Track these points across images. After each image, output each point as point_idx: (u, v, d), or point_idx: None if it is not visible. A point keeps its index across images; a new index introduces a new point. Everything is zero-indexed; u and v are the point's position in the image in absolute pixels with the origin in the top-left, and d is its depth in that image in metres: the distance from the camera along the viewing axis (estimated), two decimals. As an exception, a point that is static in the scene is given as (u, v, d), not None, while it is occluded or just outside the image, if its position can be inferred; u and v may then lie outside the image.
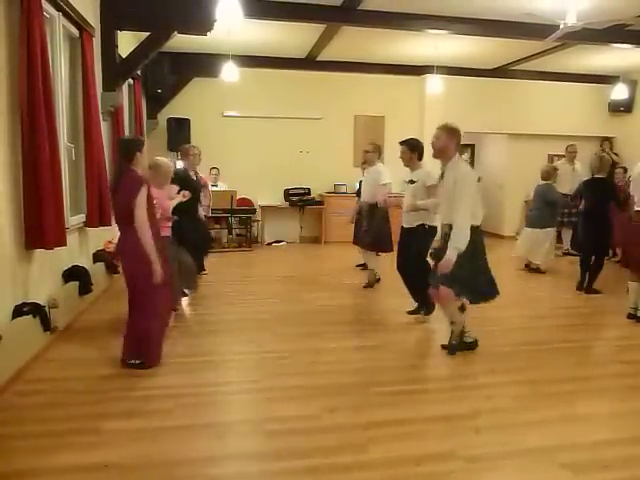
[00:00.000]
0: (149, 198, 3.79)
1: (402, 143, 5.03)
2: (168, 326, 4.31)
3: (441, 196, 4.16)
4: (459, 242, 3.84)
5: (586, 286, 6.41)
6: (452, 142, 4.01)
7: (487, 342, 4.60)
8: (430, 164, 4.90)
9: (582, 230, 6.53)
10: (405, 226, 5.07)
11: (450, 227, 3.95)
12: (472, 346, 4.37)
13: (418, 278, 4.80)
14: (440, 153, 4.06)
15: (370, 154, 6.60)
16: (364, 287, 6.48)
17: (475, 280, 4.03)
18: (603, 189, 6.29)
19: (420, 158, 4.99)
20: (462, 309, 4.42)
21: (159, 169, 4.54)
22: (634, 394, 3.62)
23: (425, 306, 5.10)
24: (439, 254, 4.04)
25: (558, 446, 2.90)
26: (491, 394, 3.55)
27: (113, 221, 6.17)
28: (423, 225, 4.86)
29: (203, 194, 7.11)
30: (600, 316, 5.55)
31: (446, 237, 3.98)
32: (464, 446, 2.89)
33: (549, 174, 7.47)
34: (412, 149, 4.94)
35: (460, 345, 4.33)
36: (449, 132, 4.03)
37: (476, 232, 3.98)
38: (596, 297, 6.23)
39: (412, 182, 4.91)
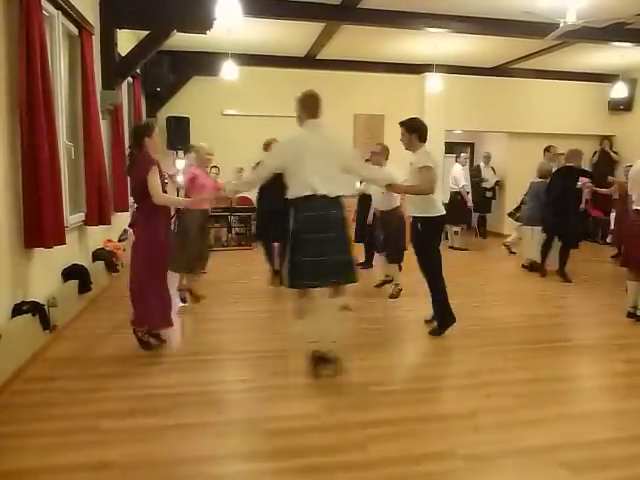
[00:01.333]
0: (160, 177, 4.15)
1: (401, 124, 4.80)
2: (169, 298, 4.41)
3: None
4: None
5: (558, 270, 6.80)
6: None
7: (486, 341, 4.61)
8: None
9: (551, 214, 6.93)
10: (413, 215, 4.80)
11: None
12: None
13: (427, 281, 4.72)
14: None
15: (377, 155, 6.23)
16: (389, 298, 6.06)
17: None
18: (571, 175, 6.72)
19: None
20: None
21: (199, 151, 5.48)
22: (634, 393, 3.62)
23: (440, 319, 4.72)
24: None
25: (557, 445, 2.90)
26: (490, 393, 3.55)
27: (112, 219, 6.20)
28: (421, 216, 4.59)
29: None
30: (599, 315, 5.55)
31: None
32: (463, 445, 2.89)
33: (543, 172, 7.43)
34: (411, 130, 4.67)
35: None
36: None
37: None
38: (594, 296, 6.22)
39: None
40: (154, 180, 4.01)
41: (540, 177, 7.45)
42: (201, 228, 5.48)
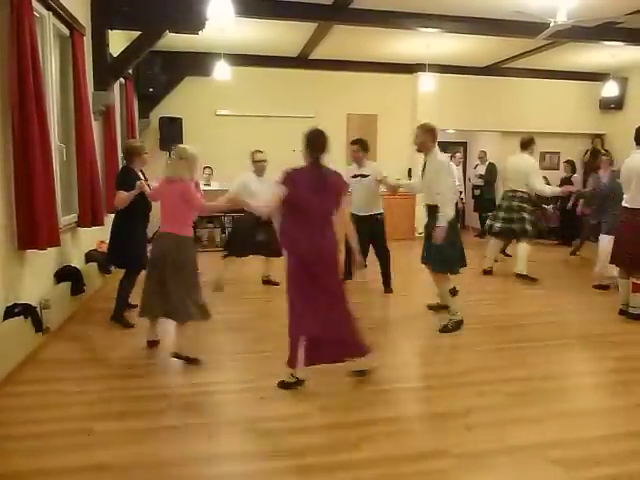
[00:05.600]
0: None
1: (353, 142, 6.12)
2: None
3: (425, 182, 4.91)
4: (448, 214, 4.64)
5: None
6: (429, 137, 4.80)
7: (479, 339, 4.63)
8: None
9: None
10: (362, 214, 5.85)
11: (431, 207, 4.80)
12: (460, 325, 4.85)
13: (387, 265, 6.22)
14: (421, 147, 4.86)
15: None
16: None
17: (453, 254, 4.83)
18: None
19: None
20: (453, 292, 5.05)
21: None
22: (626, 390, 3.65)
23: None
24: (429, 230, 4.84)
25: (550, 442, 2.92)
26: (483, 391, 3.57)
27: (105, 220, 6.18)
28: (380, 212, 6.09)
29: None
30: (591, 313, 5.57)
31: (430, 215, 4.86)
32: (456, 443, 2.90)
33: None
34: (364, 147, 6.05)
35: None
36: (424, 129, 4.84)
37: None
38: (586, 294, 6.25)
39: (364, 176, 5.95)
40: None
41: None
42: None
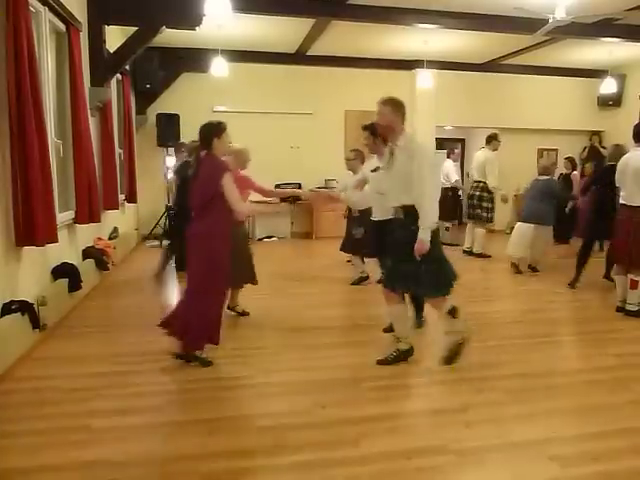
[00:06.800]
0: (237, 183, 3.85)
1: (365, 128, 4.62)
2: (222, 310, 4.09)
3: (393, 177, 3.77)
4: (432, 218, 3.57)
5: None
6: (398, 116, 3.71)
7: (478, 336, 4.62)
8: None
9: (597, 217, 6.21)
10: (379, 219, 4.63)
11: (404, 209, 3.67)
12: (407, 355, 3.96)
13: None
14: (387, 130, 3.76)
15: (351, 162, 6.07)
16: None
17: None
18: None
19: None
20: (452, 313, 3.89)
21: (239, 155, 4.85)
22: (623, 386, 3.65)
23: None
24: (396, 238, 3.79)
25: (548, 439, 2.92)
26: (482, 388, 3.57)
27: (102, 217, 6.16)
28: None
29: None
30: (589, 310, 5.58)
31: (399, 221, 3.74)
32: (455, 440, 2.90)
33: (548, 169, 7.37)
34: (375, 134, 4.42)
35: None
36: (393, 105, 3.70)
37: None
38: (584, 291, 6.25)
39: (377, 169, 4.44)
40: (231, 187, 3.68)
41: (542, 174, 7.32)
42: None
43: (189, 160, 5.92)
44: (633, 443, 2.90)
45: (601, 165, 7.14)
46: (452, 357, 3.86)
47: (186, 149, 6.40)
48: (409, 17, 7.26)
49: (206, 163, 3.83)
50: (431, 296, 3.90)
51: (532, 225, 7.14)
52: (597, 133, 11.07)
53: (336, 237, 8.16)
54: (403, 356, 3.93)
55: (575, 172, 9.67)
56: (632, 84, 10.50)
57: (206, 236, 3.74)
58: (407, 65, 10.23)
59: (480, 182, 8.18)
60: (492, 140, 8.19)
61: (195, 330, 3.78)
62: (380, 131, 3.94)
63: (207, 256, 3.75)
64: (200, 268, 3.78)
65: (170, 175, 8.73)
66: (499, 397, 3.45)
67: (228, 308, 4.88)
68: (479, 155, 8.35)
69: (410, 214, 3.61)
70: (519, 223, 7.38)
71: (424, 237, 3.52)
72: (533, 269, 7.31)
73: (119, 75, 7.56)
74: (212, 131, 3.90)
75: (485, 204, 8.16)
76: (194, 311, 3.76)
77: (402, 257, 3.65)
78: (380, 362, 3.90)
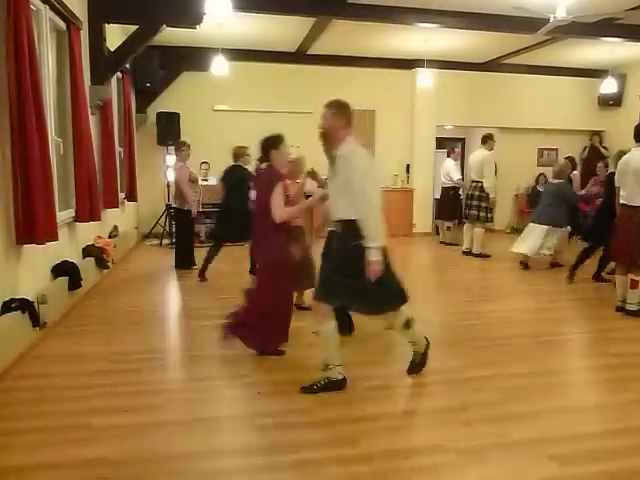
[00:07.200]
0: (284, 191, 4.11)
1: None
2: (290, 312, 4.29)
3: (334, 189, 3.42)
4: (380, 236, 3.23)
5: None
6: (340, 121, 3.33)
7: (477, 335, 4.63)
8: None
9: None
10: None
11: (343, 224, 3.33)
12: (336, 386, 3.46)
13: None
14: (328, 136, 3.38)
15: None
16: None
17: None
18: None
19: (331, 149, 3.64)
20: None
21: (294, 164, 5.06)
22: (623, 386, 3.65)
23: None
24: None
25: (547, 438, 2.92)
26: (481, 387, 3.57)
27: (102, 215, 6.17)
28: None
29: (193, 190, 7.13)
30: (589, 309, 5.59)
31: (337, 236, 3.41)
32: (454, 439, 2.90)
33: (562, 173, 7.37)
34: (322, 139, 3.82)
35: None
36: (336, 108, 3.35)
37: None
38: (584, 290, 6.25)
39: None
40: (276, 196, 3.93)
41: (556, 178, 7.35)
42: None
43: (236, 165, 6.56)
44: (633, 442, 2.91)
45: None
46: (416, 367, 3.72)
47: (232, 154, 6.72)
48: (409, 16, 7.26)
49: (264, 175, 4.20)
50: (381, 312, 3.60)
51: (545, 227, 7.18)
52: (597, 133, 11.06)
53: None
54: (333, 386, 3.42)
55: (575, 172, 9.68)
56: (633, 84, 10.49)
57: (268, 244, 4.07)
58: (407, 64, 10.22)
59: (479, 182, 8.24)
60: (487, 140, 8.26)
61: (266, 330, 4.01)
62: (323, 137, 3.44)
63: (269, 262, 4.09)
64: (266, 275, 4.10)
65: (170, 175, 8.75)
66: (498, 396, 3.45)
67: (295, 305, 4.78)
68: (476, 155, 8.42)
69: (349, 229, 3.26)
70: (531, 224, 7.46)
71: (375, 259, 3.19)
72: (556, 265, 7.40)
73: (119, 73, 7.56)
74: (270, 143, 4.13)
75: (484, 204, 8.20)
76: (264, 313, 3.99)
77: (345, 272, 3.33)
78: (304, 390, 3.42)
